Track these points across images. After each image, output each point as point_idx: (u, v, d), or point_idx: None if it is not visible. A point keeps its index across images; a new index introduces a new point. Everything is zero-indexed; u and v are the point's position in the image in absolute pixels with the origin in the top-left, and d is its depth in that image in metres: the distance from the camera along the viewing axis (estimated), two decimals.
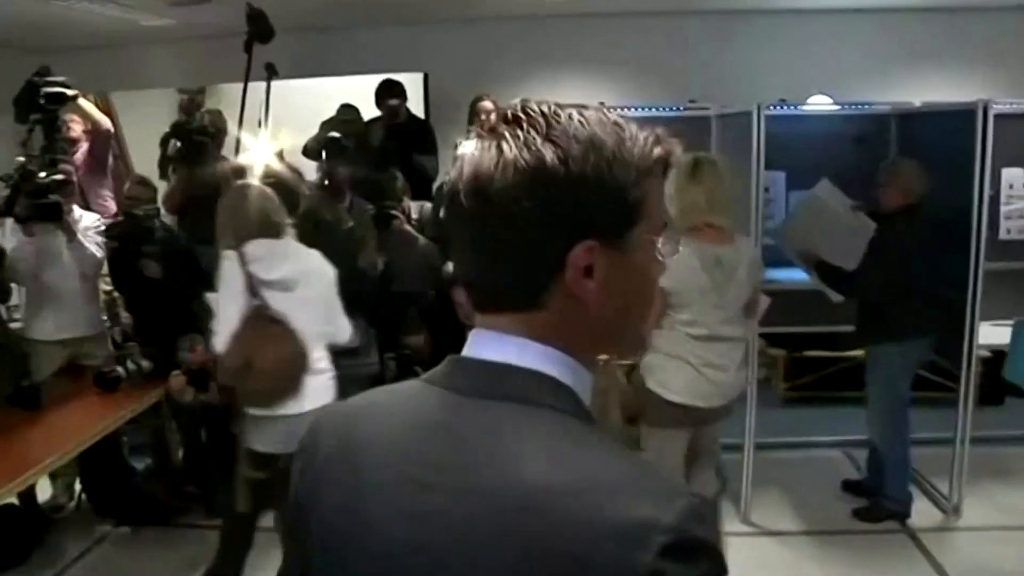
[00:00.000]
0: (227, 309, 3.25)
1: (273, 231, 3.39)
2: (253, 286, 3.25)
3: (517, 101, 0.93)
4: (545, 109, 0.91)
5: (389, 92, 5.83)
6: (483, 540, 0.82)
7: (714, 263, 3.30)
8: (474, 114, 5.41)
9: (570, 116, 0.90)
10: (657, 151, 0.93)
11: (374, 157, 5.43)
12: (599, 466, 0.84)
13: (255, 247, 3.31)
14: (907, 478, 4.38)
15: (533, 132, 0.89)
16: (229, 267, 3.28)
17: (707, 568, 0.79)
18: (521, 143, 0.88)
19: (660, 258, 0.95)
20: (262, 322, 3.23)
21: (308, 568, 1.00)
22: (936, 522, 4.45)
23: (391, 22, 6.72)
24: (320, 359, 3.37)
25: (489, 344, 0.93)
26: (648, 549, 0.76)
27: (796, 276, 4.64)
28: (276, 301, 3.25)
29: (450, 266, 5.09)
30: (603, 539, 0.77)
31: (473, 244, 0.92)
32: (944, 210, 4.34)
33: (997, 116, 4.28)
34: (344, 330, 3.51)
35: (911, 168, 4.26)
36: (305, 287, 3.35)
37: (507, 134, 0.89)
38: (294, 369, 3.24)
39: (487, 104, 5.40)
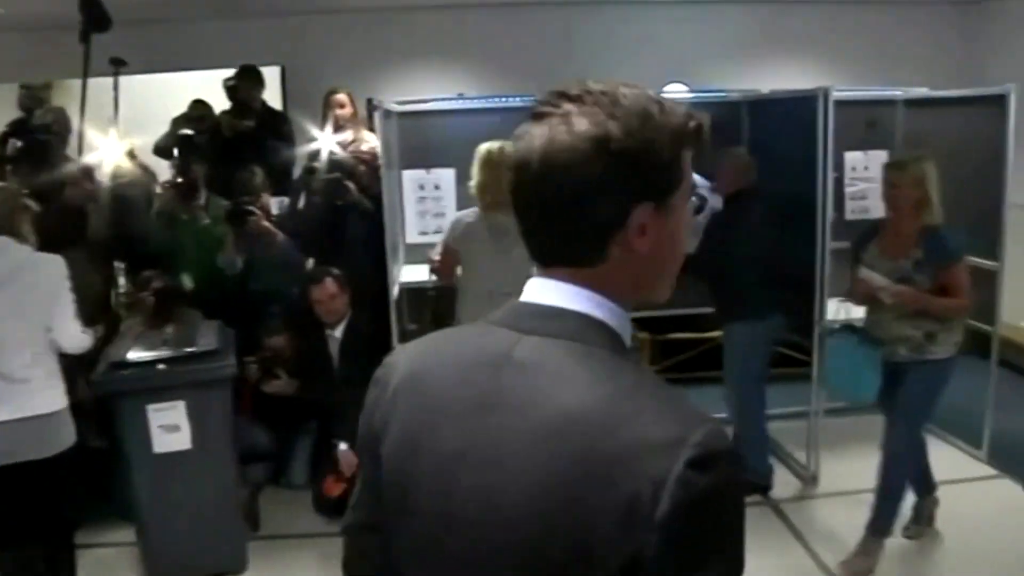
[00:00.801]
0: None
1: None
2: None
3: (574, 81, 1.04)
4: (603, 87, 1.03)
5: (246, 79, 5.61)
6: (535, 451, 0.97)
7: (502, 230, 3.70)
8: (327, 107, 5.31)
9: (624, 94, 1.02)
10: (691, 124, 1.05)
11: (230, 152, 5.25)
12: (637, 395, 0.99)
13: None
14: (766, 452, 4.56)
15: (597, 108, 1.01)
16: None
17: (725, 473, 0.93)
18: (588, 119, 1.00)
19: (688, 219, 1.10)
20: None
21: (379, 489, 1.15)
22: (796, 491, 4.65)
23: (247, 14, 6.52)
24: (26, 366, 3.14)
25: (548, 291, 1.08)
26: (676, 460, 0.91)
27: None
28: None
29: (310, 262, 5.01)
30: (640, 451, 0.92)
31: (544, 208, 1.05)
32: (793, 192, 4.51)
33: (838, 102, 4.49)
34: (70, 337, 3.29)
35: (741, 156, 4.48)
36: (11, 288, 3.13)
37: (575, 111, 1.01)
38: None
39: (341, 97, 5.31)
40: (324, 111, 5.29)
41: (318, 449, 4.60)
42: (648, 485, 0.90)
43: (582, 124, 1.00)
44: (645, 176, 1.02)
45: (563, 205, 1.03)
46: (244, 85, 5.51)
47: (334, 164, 4.99)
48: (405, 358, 1.17)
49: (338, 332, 4.51)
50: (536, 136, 1.03)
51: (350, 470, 4.19)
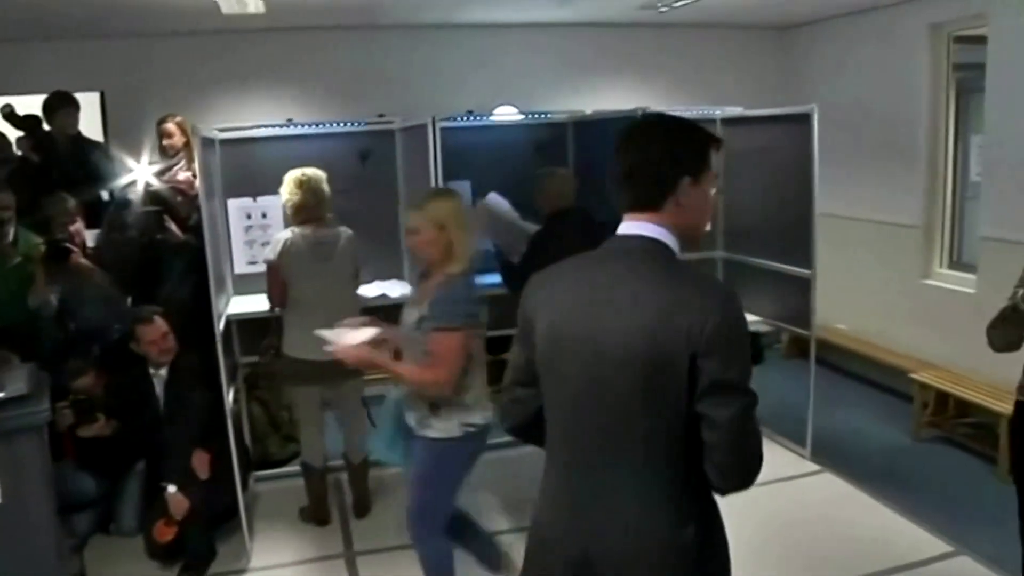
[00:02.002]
0: None
1: None
2: None
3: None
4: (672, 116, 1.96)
5: (59, 104, 5.26)
6: (636, 309, 1.76)
7: (317, 242, 4.22)
8: (160, 136, 5.16)
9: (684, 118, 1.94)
10: (714, 135, 1.92)
11: (38, 183, 4.95)
12: (684, 276, 1.80)
13: None
14: None
15: (656, 118, 1.97)
16: None
17: (735, 311, 1.76)
18: (655, 120, 1.95)
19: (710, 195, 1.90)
20: None
21: (532, 358, 1.96)
22: None
23: (64, 37, 6.17)
24: None
25: (631, 227, 1.87)
26: (711, 307, 1.72)
27: (486, 281, 4.77)
28: None
29: (128, 300, 4.80)
30: (690, 304, 1.72)
31: (633, 170, 1.86)
32: (617, 209, 4.64)
33: None
34: None
35: (560, 177, 4.62)
36: None
37: (643, 120, 1.98)
38: None
39: (168, 127, 5.14)
40: (159, 139, 5.11)
41: (148, 493, 4.39)
42: (698, 320, 1.70)
43: (657, 125, 1.92)
44: (690, 158, 1.85)
45: (643, 169, 1.85)
46: (56, 112, 5.20)
47: (150, 196, 4.81)
48: (539, 276, 2.02)
49: (163, 371, 4.34)
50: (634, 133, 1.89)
51: (181, 513, 4.03)
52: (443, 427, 3.15)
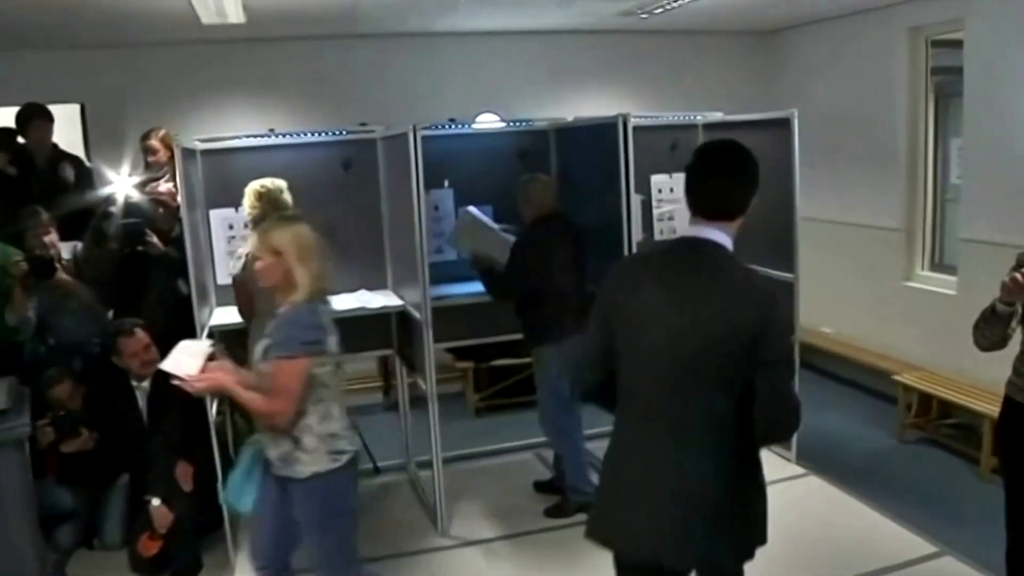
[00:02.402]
0: None
1: None
2: None
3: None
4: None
5: (32, 116, 5.19)
6: (709, 297, 2.22)
7: None
8: (145, 152, 5.15)
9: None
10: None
11: (12, 196, 4.91)
12: (747, 273, 2.30)
13: None
14: (585, 471, 4.62)
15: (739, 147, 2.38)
16: None
17: (780, 305, 2.30)
18: (741, 149, 2.36)
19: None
20: None
21: (608, 337, 2.38)
22: None
23: (42, 47, 6.12)
24: None
25: (704, 231, 2.30)
26: (768, 300, 2.24)
27: (471, 289, 4.78)
28: None
29: (110, 314, 4.77)
30: (752, 296, 2.23)
31: (722, 187, 2.30)
32: (601, 216, 4.66)
33: (639, 128, 4.71)
34: None
35: (542, 183, 4.60)
36: None
37: (732, 145, 2.39)
38: None
39: (153, 143, 5.13)
40: (144, 154, 5.12)
41: (132, 506, 4.36)
42: (759, 308, 2.20)
43: (739, 157, 2.36)
44: (757, 186, 2.33)
45: (729, 190, 2.32)
46: (29, 124, 5.15)
47: (131, 208, 4.78)
48: (623, 265, 2.57)
49: (146, 383, 4.32)
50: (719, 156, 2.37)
51: (165, 527, 4.01)
52: (311, 459, 2.98)
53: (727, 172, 2.32)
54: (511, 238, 4.56)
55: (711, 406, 2.25)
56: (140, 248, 4.74)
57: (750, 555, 2.39)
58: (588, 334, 2.47)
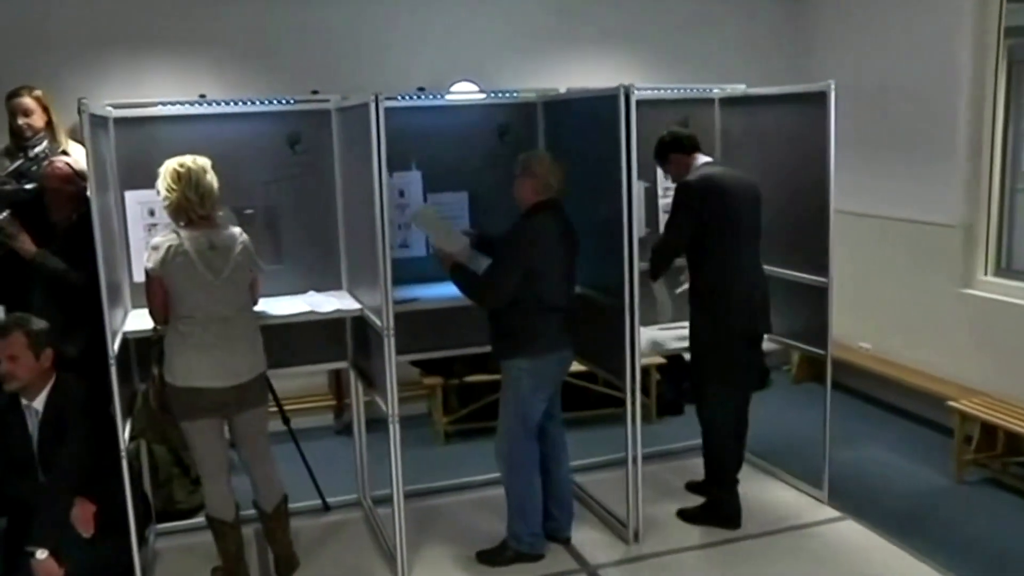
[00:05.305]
0: None
1: None
2: None
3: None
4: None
5: None
6: (748, 194, 4.88)
7: (208, 247, 4.11)
8: (12, 113, 5.02)
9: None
10: None
11: None
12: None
13: None
14: (529, 513, 4.54)
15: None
16: None
17: None
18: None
19: None
20: None
21: (699, 227, 4.75)
22: (618, 554, 4.68)
23: None
24: None
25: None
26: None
27: (443, 292, 4.69)
28: None
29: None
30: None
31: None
32: (597, 206, 4.57)
33: (644, 102, 4.69)
34: None
35: (549, 161, 4.47)
36: None
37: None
38: None
39: (26, 101, 5.00)
40: (10, 117, 4.99)
41: (8, 559, 4.15)
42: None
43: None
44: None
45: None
46: None
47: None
48: (710, 175, 4.79)
49: (38, 403, 4.16)
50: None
51: None
52: None
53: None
54: (466, 239, 4.59)
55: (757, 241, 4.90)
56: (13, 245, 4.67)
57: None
58: (681, 230, 4.73)
